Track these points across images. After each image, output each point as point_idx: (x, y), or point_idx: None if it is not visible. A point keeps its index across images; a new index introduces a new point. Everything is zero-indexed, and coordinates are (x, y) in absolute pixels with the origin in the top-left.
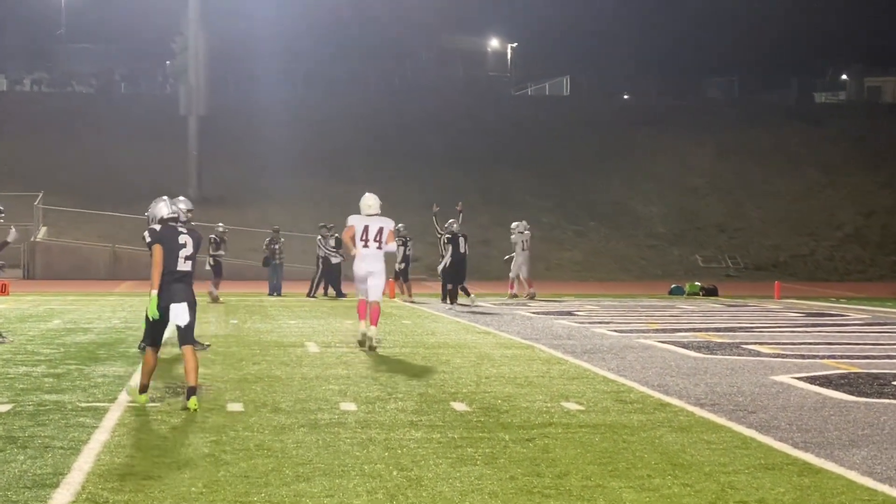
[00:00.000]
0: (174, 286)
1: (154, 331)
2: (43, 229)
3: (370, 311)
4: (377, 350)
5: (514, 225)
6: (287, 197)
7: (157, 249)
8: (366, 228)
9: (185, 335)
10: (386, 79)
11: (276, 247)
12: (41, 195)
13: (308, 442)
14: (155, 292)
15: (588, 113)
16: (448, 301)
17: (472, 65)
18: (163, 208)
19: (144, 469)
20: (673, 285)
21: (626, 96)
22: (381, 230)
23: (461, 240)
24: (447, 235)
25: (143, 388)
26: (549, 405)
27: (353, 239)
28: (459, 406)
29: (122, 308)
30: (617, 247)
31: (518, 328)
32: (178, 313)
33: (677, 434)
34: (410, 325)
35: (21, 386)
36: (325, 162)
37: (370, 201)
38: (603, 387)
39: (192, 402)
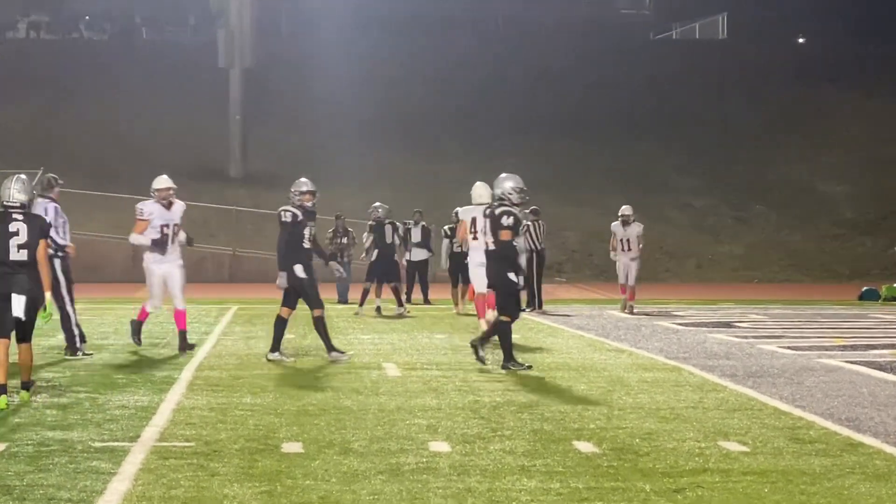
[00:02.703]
0: (14, 277)
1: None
2: None
3: (488, 297)
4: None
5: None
6: (356, 175)
7: None
8: (473, 220)
9: (27, 331)
10: (484, 22)
11: (343, 241)
12: (40, 173)
13: (388, 493)
14: None
15: (752, 63)
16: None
17: (597, 1)
18: (4, 190)
19: None
20: (865, 288)
21: (801, 40)
22: None
23: (388, 228)
24: (370, 223)
25: (25, 384)
26: (702, 445)
27: (465, 233)
28: (585, 446)
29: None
30: (790, 238)
31: (661, 344)
32: (16, 305)
33: (872, 483)
34: (520, 339)
35: (17, 420)
36: (404, 130)
37: (480, 190)
38: (773, 421)
39: (23, 395)
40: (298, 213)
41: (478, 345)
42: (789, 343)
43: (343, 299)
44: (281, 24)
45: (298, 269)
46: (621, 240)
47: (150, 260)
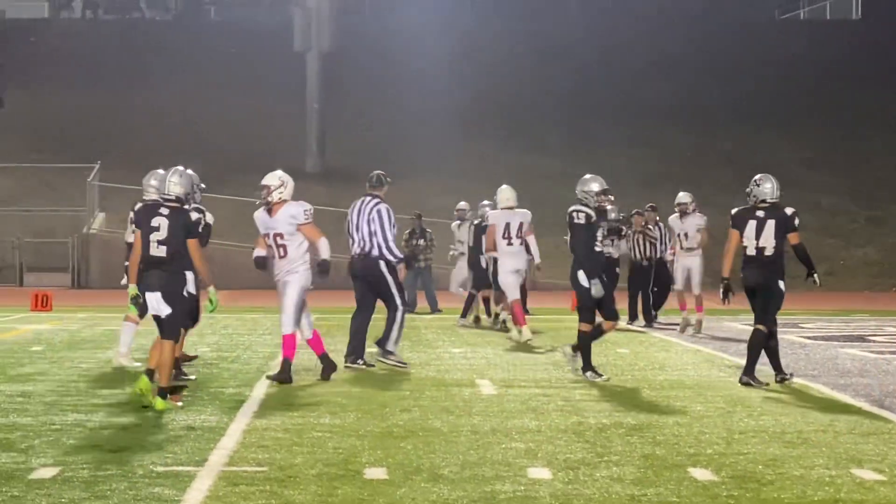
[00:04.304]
0: (149, 273)
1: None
2: (99, 216)
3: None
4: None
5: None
6: (446, 170)
7: (136, 236)
8: (507, 225)
9: (163, 328)
10: (593, 1)
11: (420, 243)
12: (97, 168)
13: None
14: (132, 285)
15: (888, 45)
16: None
17: None
18: (162, 182)
19: None
20: None
21: None
22: (521, 225)
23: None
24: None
25: (160, 392)
26: (833, 473)
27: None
28: (702, 474)
29: (211, 329)
30: None
31: (786, 360)
32: (151, 303)
33: None
34: (628, 354)
35: (71, 441)
36: (500, 119)
37: (508, 194)
38: None
39: (159, 403)
40: (593, 213)
41: (750, 379)
42: None
43: (433, 307)
44: (364, 2)
45: (582, 277)
46: (679, 234)
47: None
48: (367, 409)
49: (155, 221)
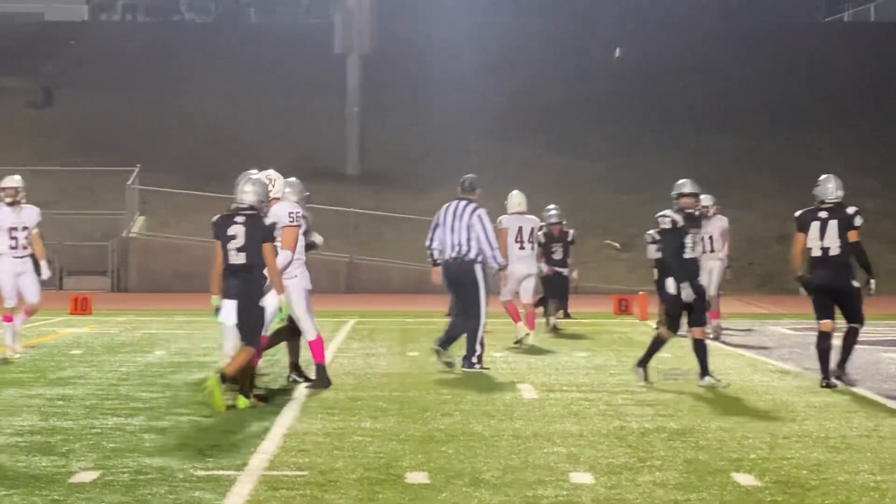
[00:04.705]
0: (227, 281)
1: None
2: (139, 220)
3: (528, 315)
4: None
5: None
6: (486, 173)
7: (217, 247)
8: (520, 229)
9: (244, 335)
10: (633, 4)
11: None
12: (136, 171)
13: None
14: (214, 297)
15: None
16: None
17: None
18: (237, 191)
19: None
20: None
21: None
22: (532, 230)
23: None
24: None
25: (244, 393)
26: (878, 479)
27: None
28: (745, 479)
29: None
30: None
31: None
32: (226, 311)
33: None
34: (671, 359)
35: (112, 445)
36: (541, 123)
37: (519, 199)
38: None
39: (211, 380)
40: (679, 218)
41: (840, 373)
42: None
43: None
44: (404, 4)
45: (670, 284)
46: (702, 238)
47: None
48: (407, 413)
49: (231, 230)
